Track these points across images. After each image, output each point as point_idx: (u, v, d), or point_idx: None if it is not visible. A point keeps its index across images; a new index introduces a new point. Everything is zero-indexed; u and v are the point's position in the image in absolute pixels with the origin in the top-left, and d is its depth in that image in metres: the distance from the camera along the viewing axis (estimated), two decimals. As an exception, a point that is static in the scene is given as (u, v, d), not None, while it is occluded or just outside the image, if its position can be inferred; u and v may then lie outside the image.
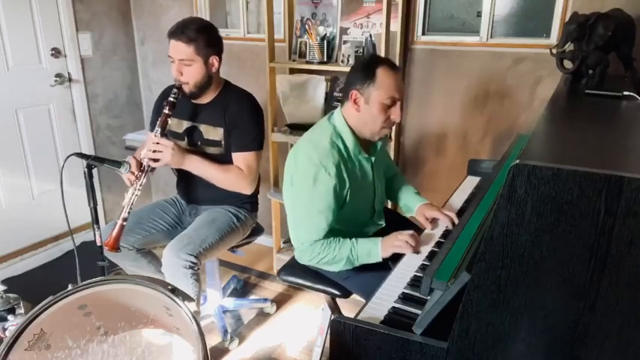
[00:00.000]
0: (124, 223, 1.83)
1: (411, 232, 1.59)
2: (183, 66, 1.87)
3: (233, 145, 1.98)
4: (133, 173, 1.85)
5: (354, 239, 1.61)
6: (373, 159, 1.70)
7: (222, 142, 2.01)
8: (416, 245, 1.56)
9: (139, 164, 1.87)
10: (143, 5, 3.20)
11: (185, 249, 1.83)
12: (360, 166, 1.67)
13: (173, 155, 1.86)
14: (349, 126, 1.61)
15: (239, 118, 1.96)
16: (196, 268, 1.84)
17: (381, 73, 1.53)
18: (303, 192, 1.58)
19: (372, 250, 1.58)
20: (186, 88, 1.91)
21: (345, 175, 1.59)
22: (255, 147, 1.99)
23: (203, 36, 1.86)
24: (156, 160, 1.87)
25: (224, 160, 2.00)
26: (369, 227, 1.81)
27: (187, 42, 1.84)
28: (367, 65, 1.56)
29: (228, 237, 2.02)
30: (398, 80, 1.57)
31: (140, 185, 1.86)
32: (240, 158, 1.98)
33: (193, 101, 2.00)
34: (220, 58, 1.96)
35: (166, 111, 1.88)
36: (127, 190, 1.85)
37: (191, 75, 1.89)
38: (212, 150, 2.02)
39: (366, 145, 1.68)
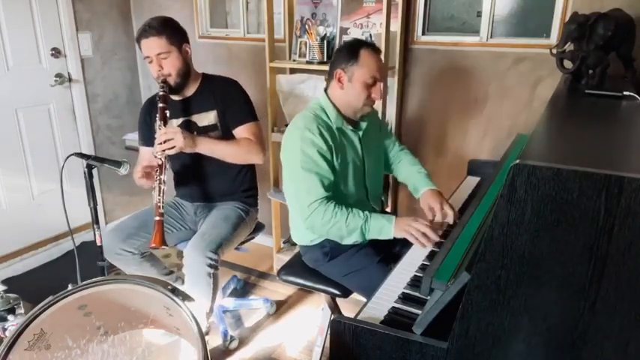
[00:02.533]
0: (162, 219, 1.84)
1: (426, 224, 1.57)
2: (162, 60, 1.92)
3: (232, 122, 2.02)
4: (153, 171, 1.87)
5: (367, 212, 1.62)
6: (360, 133, 1.77)
7: (218, 125, 2.04)
8: (428, 241, 1.55)
9: (155, 166, 1.87)
10: (143, 5, 3.20)
11: (209, 247, 1.86)
12: (346, 136, 1.74)
13: (185, 138, 1.86)
14: (332, 103, 1.72)
15: (230, 97, 2.03)
16: (217, 266, 1.87)
17: (364, 54, 1.65)
18: (295, 156, 1.63)
19: (384, 226, 1.58)
20: (171, 80, 1.95)
21: (330, 140, 1.65)
22: (254, 118, 2.05)
23: (169, 27, 1.94)
24: (170, 148, 1.86)
25: None
26: (365, 209, 1.77)
27: (158, 35, 1.90)
28: (351, 46, 1.68)
29: (241, 231, 2.06)
30: (379, 61, 1.69)
31: (164, 181, 1.86)
32: (244, 130, 2.02)
33: (178, 98, 2.04)
34: (190, 47, 2.02)
35: (161, 104, 1.90)
36: (154, 189, 1.87)
37: (171, 65, 1.93)
38: (209, 136, 2.03)
39: (351, 122, 1.76)
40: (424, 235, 1.55)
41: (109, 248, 1.93)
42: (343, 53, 1.68)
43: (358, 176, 1.78)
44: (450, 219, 1.70)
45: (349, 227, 1.58)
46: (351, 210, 1.60)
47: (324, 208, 1.59)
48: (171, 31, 1.93)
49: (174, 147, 1.85)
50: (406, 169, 1.95)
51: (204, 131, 2.03)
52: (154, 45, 1.89)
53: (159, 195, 1.85)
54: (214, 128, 2.04)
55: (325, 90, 1.76)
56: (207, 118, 2.04)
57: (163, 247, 1.84)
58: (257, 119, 2.07)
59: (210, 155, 1.97)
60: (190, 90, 2.05)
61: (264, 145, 2.04)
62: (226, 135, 2.03)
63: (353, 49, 1.66)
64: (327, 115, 1.71)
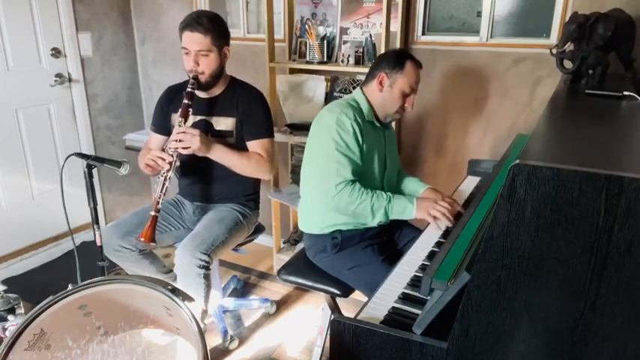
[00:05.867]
0: (157, 215, 1.86)
1: (447, 206, 1.67)
2: (200, 56, 1.90)
3: (248, 134, 2.03)
4: (163, 159, 1.87)
5: (389, 193, 1.71)
6: (387, 132, 1.88)
7: (234, 132, 2.03)
8: (451, 218, 1.65)
9: (167, 157, 1.88)
10: (143, 5, 3.20)
11: (199, 248, 1.85)
12: (374, 130, 1.81)
13: (201, 142, 1.87)
14: (367, 100, 1.79)
15: (251, 108, 2.02)
16: (209, 267, 1.86)
17: (409, 65, 1.75)
18: (329, 139, 1.68)
19: (407, 207, 1.68)
20: (202, 78, 1.94)
21: (362, 127, 1.71)
22: (269, 134, 2.05)
23: (217, 26, 1.91)
24: (185, 148, 1.88)
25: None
26: None
27: (204, 33, 1.87)
28: (399, 55, 1.77)
29: (236, 234, 2.05)
30: (419, 75, 1.79)
31: (169, 178, 1.88)
32: (257, 145, 2.02)
33: (203, 96, 2.03)
34: (229, 50, 2.00)
35: (186, 101, 1.90)
36: (157, 183, 1.88)
37: (207, 65, 1.92)
38: (223, 141, 2.03)
39: (379, 122, 1.84)
40: (444, 215, 1.65)
41: (108, 245, 1.93)
42: (390, 59, 1.76)
43: (379, 172, 1.84)
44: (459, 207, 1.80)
45: (374, 207, 1.66)
46: (375, 192, 1.68)
47: (350, 188, 1.66)
48: (218, 31, 1.91)
49: (188, 147, 1.87)
50: (403, 179, 2.03)
51: (219, 135, 2.03)
52: (197, 41, 1.88)
53: (161, 191, 1.86)
54: (229, 135, 2.04)
55: (361, 87, 1.83)
56: (224, 123, 2.03)
57: (152, 243, 1.85)
58: (272, 135, 2.07)
59: (218, 162, 1.98)
60: (216, 91, 2.04)
61: (273, 163, 2.05)
62: (239, 143, 2.03)
63: (400, 58, 1.74)
64: (359, 105, 1.78)
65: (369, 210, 1.66)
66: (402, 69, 1.73)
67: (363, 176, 1.74)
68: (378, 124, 1.82)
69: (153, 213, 1.85)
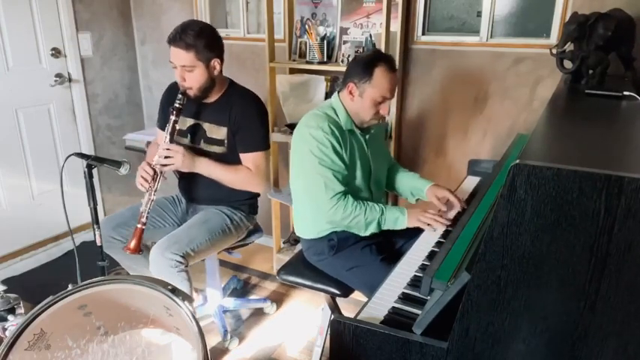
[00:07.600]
0: (144, 227, 1.88)
1: (435, 212, 1.70)
2: (186, 72, 1.87)
3: (240, 145, 2.00)
4: (146, 180, 1.89)
5: (381, 205, 1.73)
6: (367, 136, 1.82)
7: (225, 142, 2.02)
8: (440, 225, 1.69)
9: (152, 171, 1.90)
10: (143, 5, 3.20)
11: (171, 248, 1.83)
12: (354, 137, 1.77)
13: (184, 160, 1.89)
14: (344, 105, 1.75)
15: (244, 119, 1.98)
16: (183, 267, 1.83)
17: (378, 74, 1.66)
18: (309, 155, 1.67)
19: (399, 217, 1.70)
20: (191, 93, 1.93)
21: (340, 138, 1.69)
22: (262, 147, 2.02)
23: (202, 40, 1.84)
24: (169, 164, 1.90)
25: (227, 159, 2.01)
26: None
27: (186, 48, 1.82)
28: (367, 63, 1.68)
29: (219, 239, 2.01)
30: (392, 81, 1.69)
31: (155, 191, 1.90)
32: (248, 158, 2.00)
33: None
34: (222, 60, 1.95)
35: (173, 117, 1.90)
36: (143, 196, 1.91)
37: (194, 80, 1.89)
38: (215, 149, 2.03)
39: (358, 127, 1.80)
40: (435, 221, 1.68)
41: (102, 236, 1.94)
42: (359, 68, 1.68)
43: (365, 178, 1.82)
44: (458, 206, 1.80)
45: (367, 220, 1.68)
46: (367, 204, 1.69)
47: (344, 203, 1.66)
48: (203, 45, 1.84)
49: (172, 164, 1.89)
50: (401, 176, 2.03)
51: (211, 142, 2.03)
52: (180, 56, 1.84)
53: (146, 205, 1.88)
54: (221, 143, 2.02)
55: (338, 92, 1.78)
56: (216, 132, 2.02)
57: (137, 254, 1.88)
58: (266, 147, 2.04)
59: (207, 177, 1.98)
60: (212, 97, 2.00)
61: (263, 177, 2.02)
62: (231, 152, 2.02)
63: (368, 67, 1.66)
64: (337, 116, 1.74)
65: (363, 223, 1.69)
66: (370, 78, 1.65)
67: (348, 184, 1.73)
68: (358, 130, 1.78)
69: (139, 225, 1.86)
